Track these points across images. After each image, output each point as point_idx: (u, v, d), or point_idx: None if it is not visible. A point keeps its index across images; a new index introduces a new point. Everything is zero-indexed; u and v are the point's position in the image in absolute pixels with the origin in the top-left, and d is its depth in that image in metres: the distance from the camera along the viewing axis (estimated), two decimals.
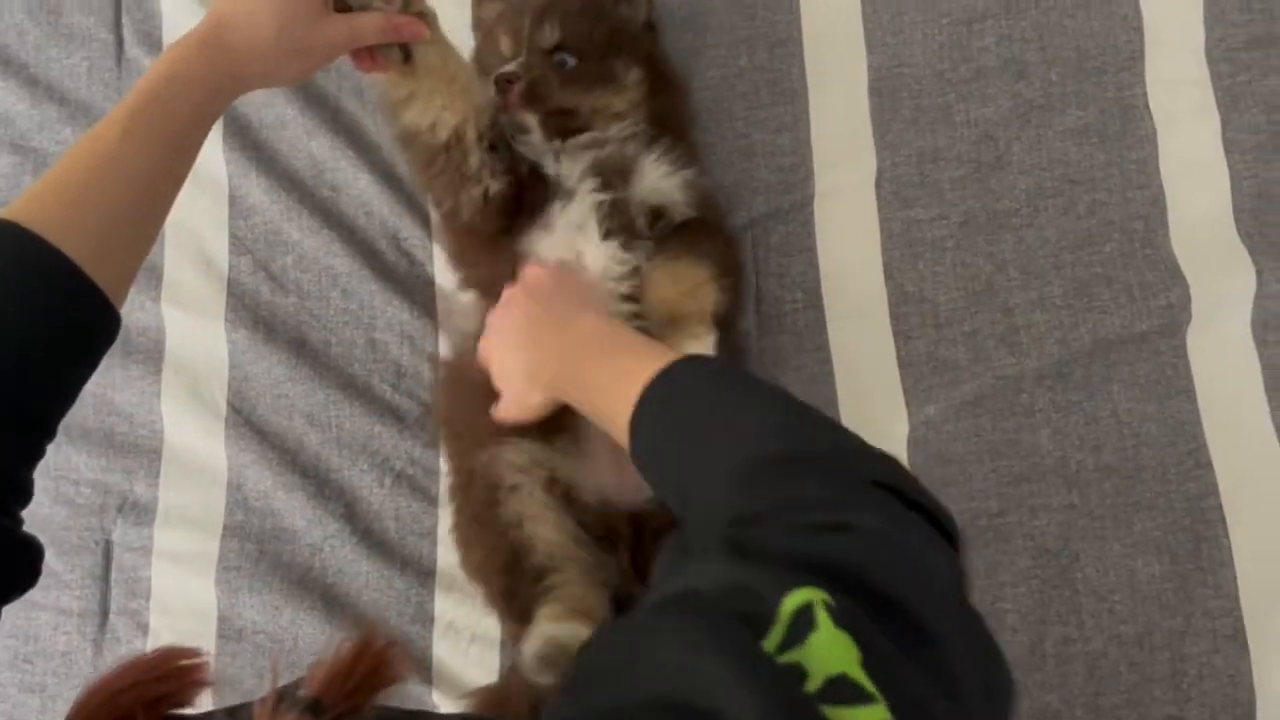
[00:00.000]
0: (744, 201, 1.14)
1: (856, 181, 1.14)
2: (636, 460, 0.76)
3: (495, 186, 1.01)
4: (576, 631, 0.92)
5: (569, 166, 1.02)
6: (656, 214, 1.03)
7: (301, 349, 1.18)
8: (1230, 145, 1.08)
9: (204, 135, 0.83)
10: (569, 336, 0.90)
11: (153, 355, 1.20)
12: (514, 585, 0.99)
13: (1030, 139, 1.11)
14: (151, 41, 1.27)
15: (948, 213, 1.11)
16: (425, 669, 1.09)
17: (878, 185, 1.13)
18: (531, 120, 1.02)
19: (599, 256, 1.00)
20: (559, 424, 0.97)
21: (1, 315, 0.68)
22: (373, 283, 1.17)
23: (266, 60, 0.84)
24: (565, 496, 1.00)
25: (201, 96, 0.81)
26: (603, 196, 1.01)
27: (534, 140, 1.03)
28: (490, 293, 1.02)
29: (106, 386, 1.20)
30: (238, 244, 1.21)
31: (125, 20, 1.28)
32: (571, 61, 1.03)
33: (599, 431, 0.92)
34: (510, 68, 1.01)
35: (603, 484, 1.00)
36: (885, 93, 1.15)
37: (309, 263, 1.19)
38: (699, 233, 1.04)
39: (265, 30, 0.83)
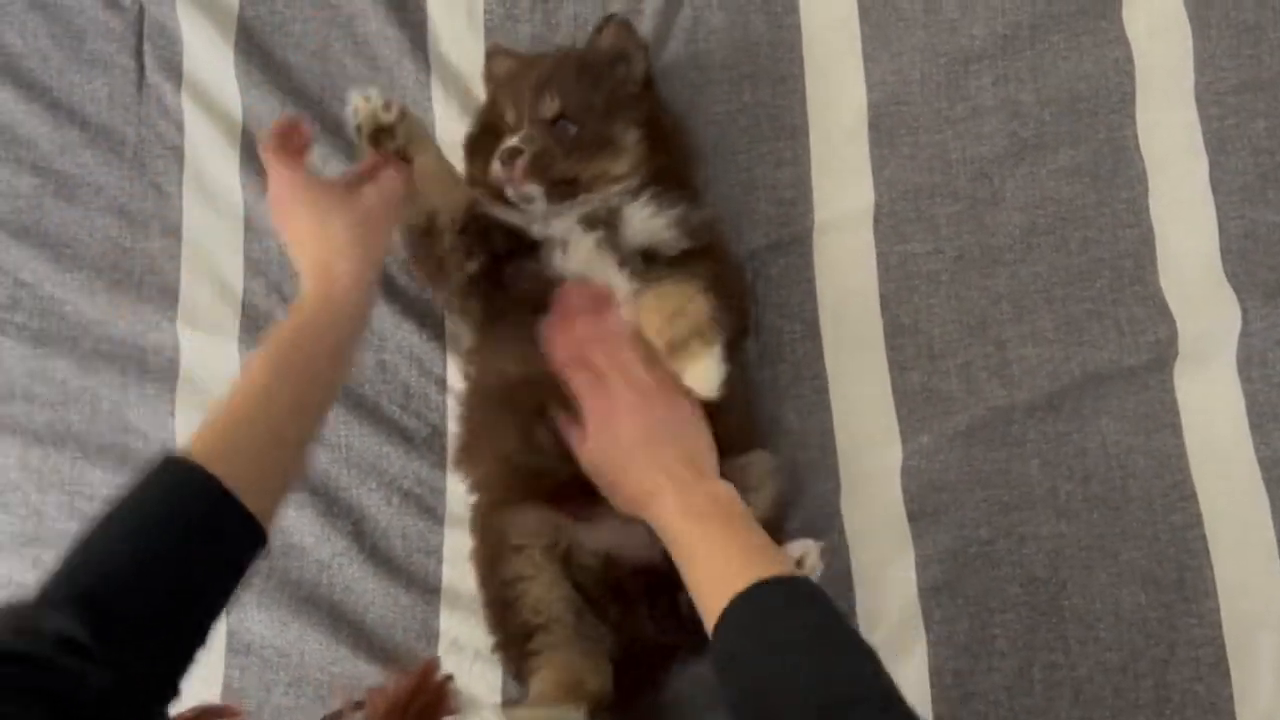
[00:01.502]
0: (744, 234, 1.17)
1: (855, 216, 1.16)
2: (715, 654, 0.83)
3: (471, 267, 1.05)
4: (564, 715, 0.94)
5: (558, 225, 1.05)
6: (648, 255, 1.05)
7: None
8: (1218, 186, 1.10)
9: (343, 366, 0.95)
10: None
11: (168, 374, 1.23)
12: (505, 643, 1.04)
13: (1024, 177, 1.14)
14: (172, 68, 1.30)
15: (943, 247, 1.14)
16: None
17: (875, 220, 1.16)
18: (536, 190, 1.03)
19: (622, 283, 1.03)
20: (575, 486, 1.01)
21: (165, 538, 0.78)
22: (383, 305, 1.20)
23: (357, 256, 0.95)
24: (564, 559, 1.02)
25: (331, 335, 0.93)
26: (598, 236, 1.04)
27: (536, 208, 1.04)
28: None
29: (122, 404, 1.22)
30: (253, 266, 1.24)
31: (147, 47, 1.31)
32: (573, 129, 1.05)
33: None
34: (513, 142, 1.03)
35: (608, 539, 1.02)
36: (884, 129, 1.17)
37: None
38: (690, 258, 1.05)
39: (344, 243, 0.95)
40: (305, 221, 0.96)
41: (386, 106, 1.02)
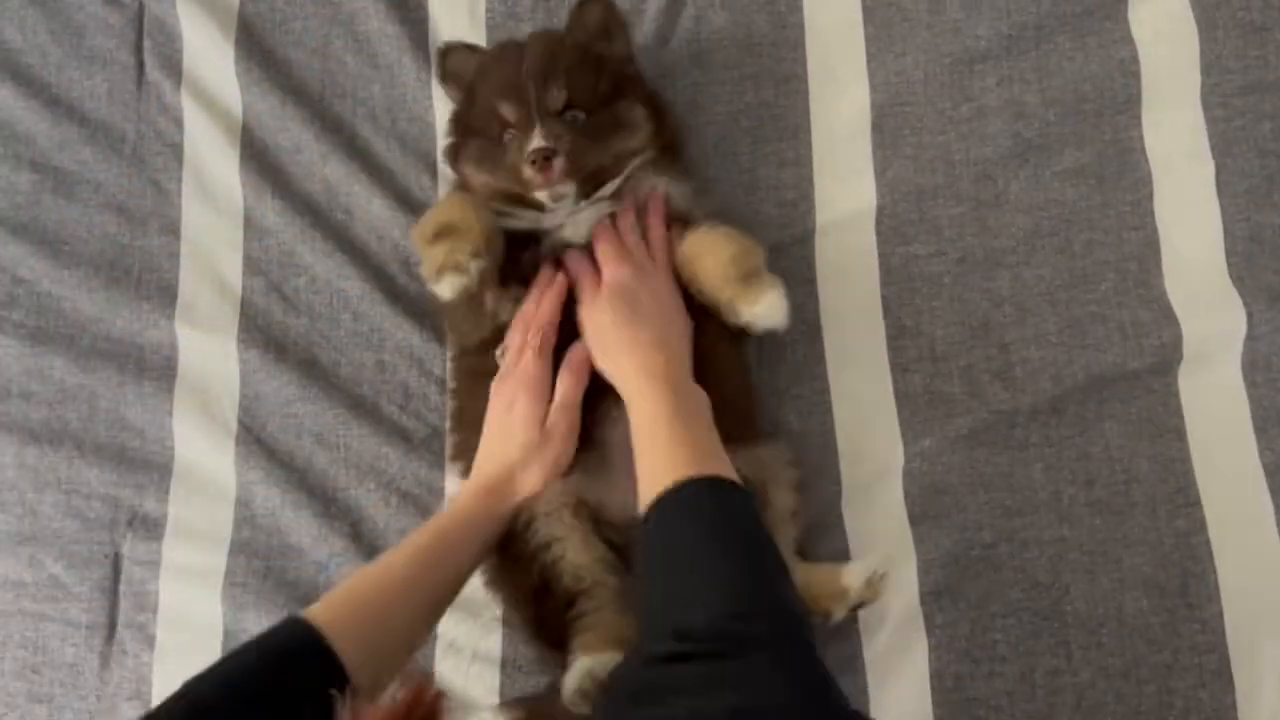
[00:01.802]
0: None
1: (857, 217, 1.16)
2: (642, 540, 0.87)
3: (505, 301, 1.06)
4: (613, 662, 0.92)
5: (575, 218, 1.05)
6: (671, 218, 1.06)
7: (312, 369, 1.20)
8: (1223, 189, 1.10)
9: (474, 568, 1.00)
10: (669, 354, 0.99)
11: (165, 373, 1.22)
12: (544, 613, 1.01)
13: (1028, 179, 1.13)
14: (172, 65, 1.29)
15: (946, 249, 1.14)
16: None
17: (878, 221, 1.15)
18: (571, 187, 1.02)
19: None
20: (587, 441, 1.02)
21: (275, 694, 0.81)
22: (383, 306, 1.20)
23: (530, 481, 1.00)
24: (593, 519, 1.02)
25: (481, 536, 0.99)
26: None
27: (567, 204, 1.03)
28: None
29: (119, 402, 1.22)
30: (251, 265, 1.24)
31: (147, 44, 1.30)
32: (582, 117, 1.03)
33: (623, 447, 0.98)
34: (540, 143, 0.99)
35: (629, 500, 1.00)
36: (887, 130, 1.17)
37: (321, 285, 1.22)
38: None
39: (520, 465, 1.00)
40: (498, 434, 1.02)
41: (475, 256, 1.00)
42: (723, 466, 0.90)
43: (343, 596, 0.91)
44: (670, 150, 1.10)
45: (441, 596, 0.97)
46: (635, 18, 1.22)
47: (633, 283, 1.01)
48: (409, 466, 1.17)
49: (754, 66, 1.20)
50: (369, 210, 1.22)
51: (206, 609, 1.15)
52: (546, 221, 1.06)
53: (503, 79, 1.05)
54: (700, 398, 0.98)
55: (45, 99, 1.31)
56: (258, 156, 1.26)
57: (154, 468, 1.20)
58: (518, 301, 1.05)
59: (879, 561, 1.04)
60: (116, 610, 1.17)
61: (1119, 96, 1.14)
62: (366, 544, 1.15)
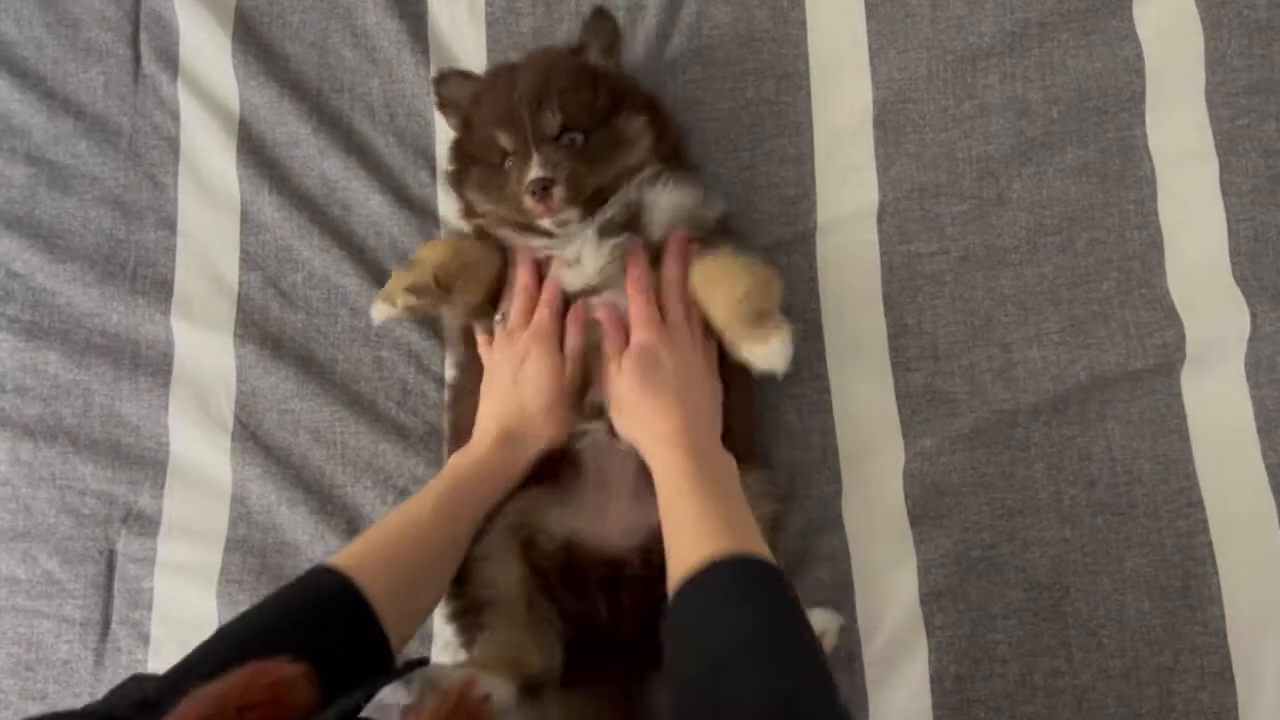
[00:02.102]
0: (747, 232, 1.15)
1: (858, 214, 1.15)
2: (668, 614, 0.84)
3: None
4: (496, 687, 0.94)
5: (575, 241, 1.03)
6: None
7: (309, 365, 1.19)
8: (1228, 188, 1.09)
9: (490, 511, 1.02)
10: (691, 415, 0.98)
11: (161, 368, 1.21)
12: (458, 610, 1.04)
13: (1031, 176, 1.13)
14: (168, 58, 1.28)
15: (948, 247, 1.13)
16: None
17: (879, 219, 1.15)
18: (573, 213, 1.01)
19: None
20: (560, 455, 1.03)
21: (308, 637, 0.82)
22: None
23: (547, 433, 1.02)
24: (526, 541, 1.02)
25: (493, 486, 1.01)
26: (614, 243, 1.03)
27: (570, 229, 1.03)
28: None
29: (114, 398, 1.21)
30: (248, 260, 1.23)
31: (143, 36, 1.29)
32: (580, 139, 1.02)
33: (595, 474, 1.01)
34: (538, 173, 0.98)
35: (580, 525, 1.02)
36: (889, 127, 1.16)
37: (319, 280, 1.21)
38: (725, 236, 1.06)
39: (540, 418, 1.02)
40: (509, 386, 1.02)
41: (412, 291, 1.02)
42: (753, 541, 0.88)
43: (363, 546, 0.92)
44: (673, 158, 1.08)
45: (461, 545, 0.99)
46: (637, 13, 1.21)
47: (658, 348, 1.00)
48: (406, 463, 1.16)
49: (755, 62, 1.20)
50: (367, 205, 1.22)
51: (201, 606, 1.15)
52: (535, 242, 1.05)
53: (498, 107, 1.04)
54: (728, 465, 0.97)
55: (41, 92, 1.30)
56: (255, 151, 1.25)
57: (149, 464, 1.19)
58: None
59: (822, 623, 1.03)
60: (111, 607, 1.16)
61: (1123, 94, 1.13)
62: None
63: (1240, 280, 1.07)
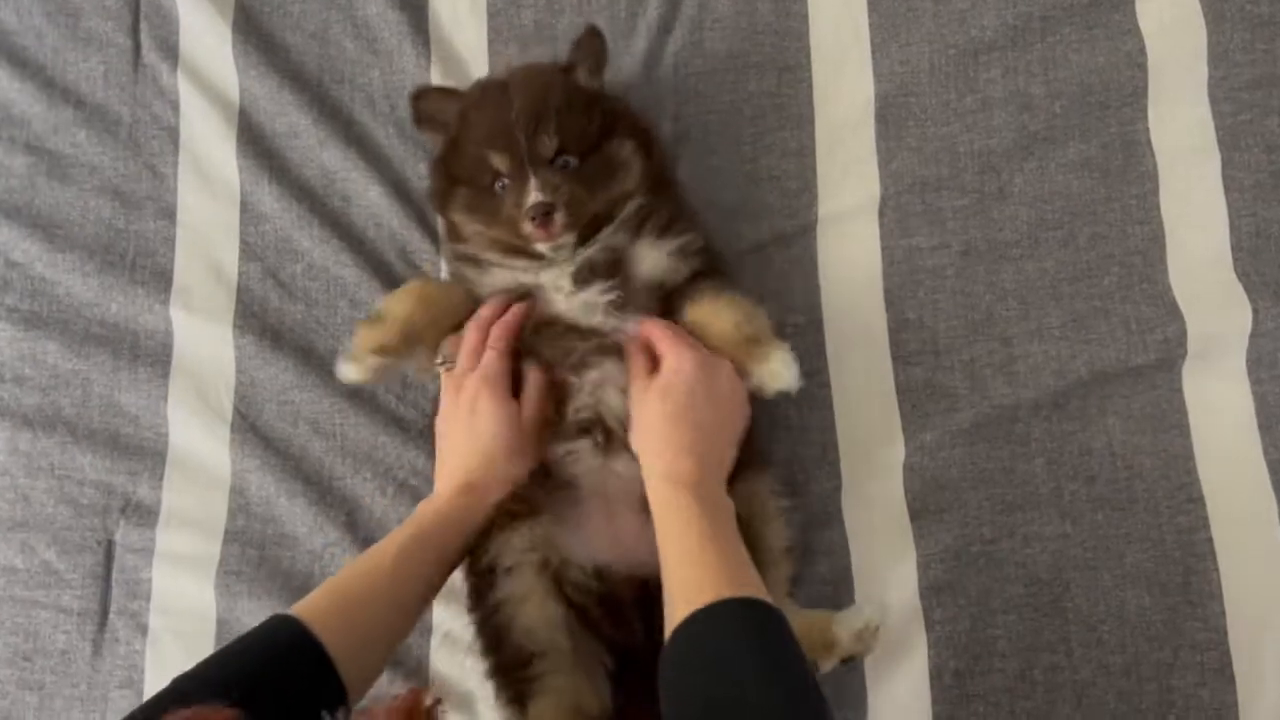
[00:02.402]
0: (749, 225, 1.16)
1: (860, 208, 1.15)
2: (663, 657, 0.83)
3: None
4: None
5: (557, 275, 1.01)
6: (662, 291, 1.02)
7: (309, 357, 1.19)
8: (1230, 184, 1.09)
9: (457, 563, 1.01)
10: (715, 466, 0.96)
11: (160, 359, 1.21)
12: (500, 665, 1.01)
13: (1032, 171, 1.13)
14: (168, 48, 1.28)
15: (949, 241, 1.13)
16: (423, 679, 1.10)
17: (881, 212, 1.14)
18: (570, 238, 0.99)
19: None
20: (556, 483, 1.01)
21: (263, 686, 0.81)
22: (381, 293, 1.18)
23: (511, 477, 1.00)
24: (556, 577, 1.00)
25: (457, 533, 0.98)
26: (603, 296, 1.00)
27: (564, 254, 1.00)
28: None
29: (113, 388, 1.21)
30: (248, 250, 1.23)
31: (143, 26, 1.29)
32: (574, 162, 1.00)
33: (594, 494, 0.99)
34: (537, 197, 0.96)
35: (598, 549, 1.01)
36: (891, 121, 1.16)
37: (318, 271, 1.21)
38: (701, 277, 1.04)
39: (503, 465, 0.99)
40: (465, 434, 1.00)
41: (379, 352, 1.00)
42: (753, 586, 0.86)
43: (328, 593, 0.91)
44: (661, 186, 1.06)
45: (424, 593, 0.97)
46: (639, 6, 1.20)
47: (696, 372, 0.96)
48: (405, 456, 1.16)
49: (757, 55, 1.19)
50: (366, 197, 1.21)
51: (200, 597, 1.14)
52: (518, 268, 1.03)
53: (490, 126, 1.01)
54: (728, 507, 0.94)
55: (40, 81, 1.29)
56: (255, 141, 1.24)
57: (148, 454, 1.19)
58: None
59: (872, 613, 1.03)
60: (109, 597, 1.16)
61: (1125, 89, 1.13)
62: (362, 533, 1.14)
63: (1242, 276, 1.07)
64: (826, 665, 1.02)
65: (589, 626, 1.00)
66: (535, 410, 1.00)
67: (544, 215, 0.96)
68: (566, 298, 1.01)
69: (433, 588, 0.98)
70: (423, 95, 1.12)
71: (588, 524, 1.01)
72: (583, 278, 1.00)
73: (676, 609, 0.84)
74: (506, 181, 1.00)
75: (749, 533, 0.96)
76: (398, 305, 1.03)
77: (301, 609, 0.88)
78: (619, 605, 1.00)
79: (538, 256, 1.01)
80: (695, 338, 1.00)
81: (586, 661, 0.98)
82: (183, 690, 0.80)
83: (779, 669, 0.79)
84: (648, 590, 0.97)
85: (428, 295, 1.05)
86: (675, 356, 0.97)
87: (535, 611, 0.98)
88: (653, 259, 1.02)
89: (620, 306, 1.00)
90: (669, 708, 0.80)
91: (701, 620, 0.81)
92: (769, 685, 0.77)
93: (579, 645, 0.98)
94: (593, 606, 1.00)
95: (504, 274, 1.04)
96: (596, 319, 1.01)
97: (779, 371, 0.97)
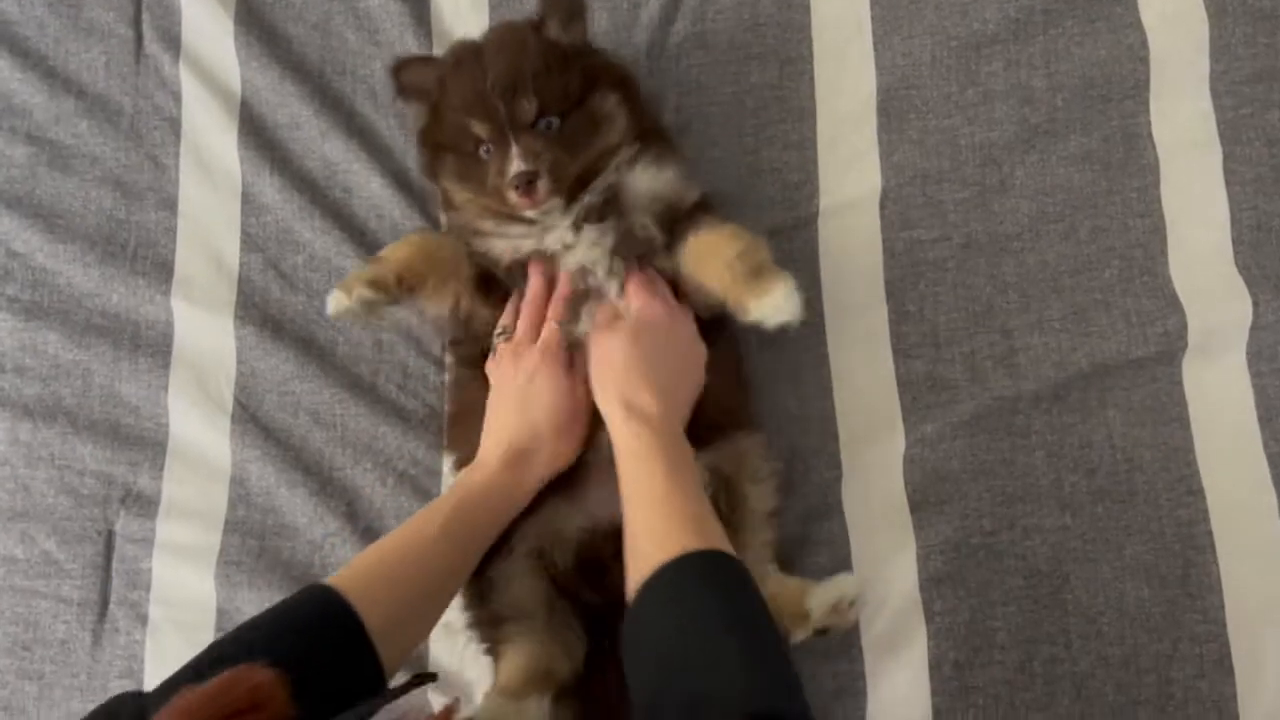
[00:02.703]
0: (750, 216, 1.14)
1: (861, 200, 1.15)
2: (628, 616, 0.83)
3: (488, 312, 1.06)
4: (524, 710, 0.95)
5: (556, 231, 1.02)
6: (665, 217, 1.02)
7: (309, 348, 1.19)
8: (1231, 177, 1.09)
9: (493, 539, 0.99)
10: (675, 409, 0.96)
11: (161, 349, 1.21)
12: (478, 619, 1.03)
13: (1034, 164, 1.12)
14: (170, 39, 1.28)
15: (950, 234, 1.13)
16: (421, 668, 1.10)
17: (882, 205, 1.14)
18: (556, 202, 0.99)
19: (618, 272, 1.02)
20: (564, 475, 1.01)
21: (285, 648, 0.80)
22: None
23: (558, 454, 0.99)
24: (542, 559, 1.01)
25: (503, 506, 0.98)
26: (598, 229, 1.01)
27: (553, 217, 1.01)
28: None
29: (114, 378, 1.21)
30: (249, 241, 1.23)
31: (145, 16, 1.29)
32: (556, 123, 0.99)
33: (595, 468, 0.99)
34: (520, 165, 0.96)
35: (592, 503, 1.01)
36: (893, 113, 1.16)
37: (319, 263, 1.21)
38: (705, 213, 1.04)
39: (550, 438, 0.98)
40: (517, 404, 0.99)
41: (371, 285, 1.00)
42: (718, 539, 0.86)
43: (366, 566, 0.91)
44: (650, 134, 1.06)
45: (463, 569, 0.97)
46: None
47: (664, 321, 0.98)
48: (406, 446, 1.16)
49: (759, 47, 1.19)
50: (368, 188, 1.21)
51: (200, 587, 1.14)
52: (517, 232, 1.04)
53: (468, 93, 1.00)
54: (688, 452, 0.94)
55: (42, 71, 1.30)
56: (256, 132, 1.24)
57: (148, 445, 1.19)
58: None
59: (849, 586, 1.02)
60: (109, 587, 1.16)
61: (1127, 82, 1.13)
62: (362, 524, 1.15)
63: (1243, 269, 1.07)
64: (799, 635, 1.01)
65: (567, 594, 1.01)
66: (588, 392, 1.00)
67: (527, 183, 0.96)
68: (569, 252, 1.02)
69: (470, 564, 0.97)
70: (402, 66, 1.11)
71: (587, 492, 1.01)
72: (580, 224, 1.01)
73: (640, 560, 0.84)
74: (490, 148, 1.00)
75: (733, 493, 0.98)
76: (396, 249, 1.04)
77: (342, 580, 0.87)
78: (602, 567, 0.99)
79: (529, 221, 1.02)
80: (693, 276, 1.01)
81: (560, 628, 1.00)
82: (221, 655, 0.79)
83: (741, 624, 0.79)
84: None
85: (426, 245, 1.05)
86: (645, 303, 0.99)
87: (517, 587, 1.00)
88: (650, 185, 1.02)
89: (621, 248, 1.01)
90: (629, 663, 0.81)
91: (668, 575, 0.81)
92: (733, 639, 0.77)
93: (554, 613, 1.00)
94: (574, 577, 1.01)
95: (504, 243, 1.04)
96: (599, 272, 1.01)
97: (781, 304, 0.95)
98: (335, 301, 1.01)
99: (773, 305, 0.95)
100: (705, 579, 0.82)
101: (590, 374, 0.99)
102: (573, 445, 1.00)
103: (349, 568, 0.90)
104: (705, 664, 0.76)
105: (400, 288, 1.01)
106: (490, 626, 1.02)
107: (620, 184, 1.02)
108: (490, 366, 1.05)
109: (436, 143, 1.06)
